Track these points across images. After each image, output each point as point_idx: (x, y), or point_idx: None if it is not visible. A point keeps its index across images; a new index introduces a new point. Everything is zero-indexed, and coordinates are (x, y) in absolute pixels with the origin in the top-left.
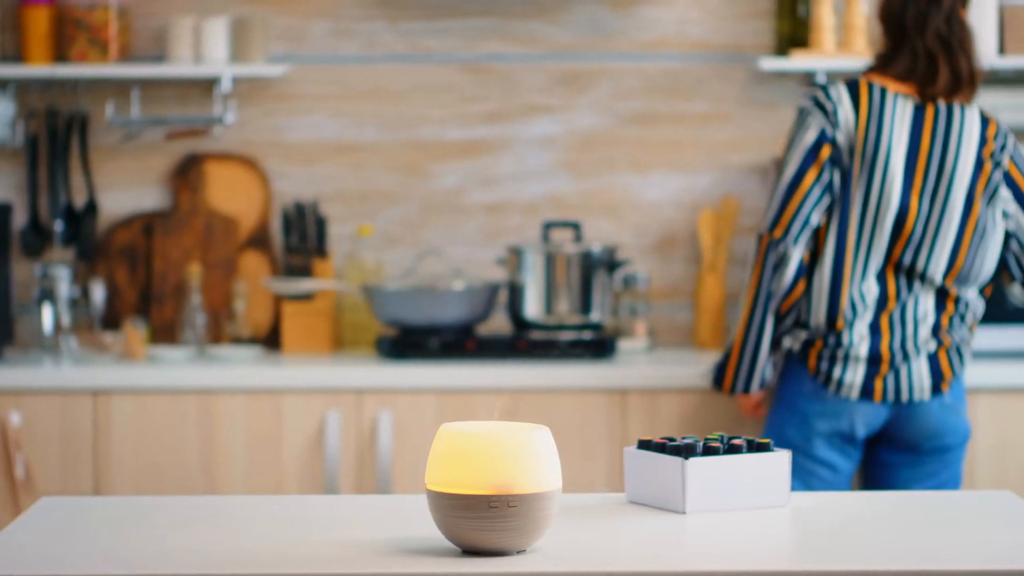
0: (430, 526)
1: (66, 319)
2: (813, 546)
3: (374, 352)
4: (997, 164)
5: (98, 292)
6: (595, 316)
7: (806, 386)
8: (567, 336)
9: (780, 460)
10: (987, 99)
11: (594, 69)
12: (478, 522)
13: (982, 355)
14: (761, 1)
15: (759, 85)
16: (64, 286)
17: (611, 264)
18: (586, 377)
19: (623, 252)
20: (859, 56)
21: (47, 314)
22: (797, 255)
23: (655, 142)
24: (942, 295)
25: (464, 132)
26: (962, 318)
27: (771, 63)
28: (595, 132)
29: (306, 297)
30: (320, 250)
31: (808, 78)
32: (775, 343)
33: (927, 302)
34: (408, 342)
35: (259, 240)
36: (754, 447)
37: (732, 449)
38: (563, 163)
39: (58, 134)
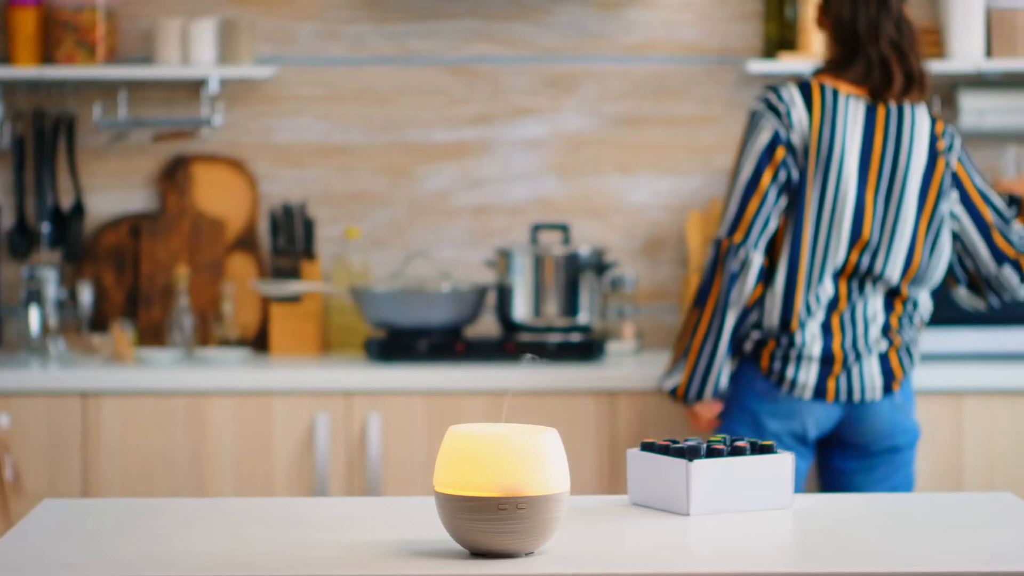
0: (434, 528)
1: (53, 321)
2: (817, 548)
3: (362, 354)
4: (947, 164)
5: (85, 294)
6: (583, 318)
7: (758, 386)
8: (555, 338)
9: (783, 462)
10: (974, 102)
11: (581, 71)
12: (487, 524)
13: (970, 357)
14: (748, 3)
15: (746, 87)
16: (51, 288)
17: (599, 266)
18: (574, 379)
19: (611, 254)
20: None
21: (34, 316)
22: (758, 260)
23: (642, 144)
24: (892, 296)
25: (451, 134)
26: (911, 319)
27: (758, 65)
28: (582, 134)
29: (294, 299)
30: (308, 252)
31: (796, 80)
32: (734, 348)
33: (876, 303)
34: (397, 344)
35: (247, 242)
36: (757, 449)
37: (735, 451)
38: (550, 165)
39: (45, 135)
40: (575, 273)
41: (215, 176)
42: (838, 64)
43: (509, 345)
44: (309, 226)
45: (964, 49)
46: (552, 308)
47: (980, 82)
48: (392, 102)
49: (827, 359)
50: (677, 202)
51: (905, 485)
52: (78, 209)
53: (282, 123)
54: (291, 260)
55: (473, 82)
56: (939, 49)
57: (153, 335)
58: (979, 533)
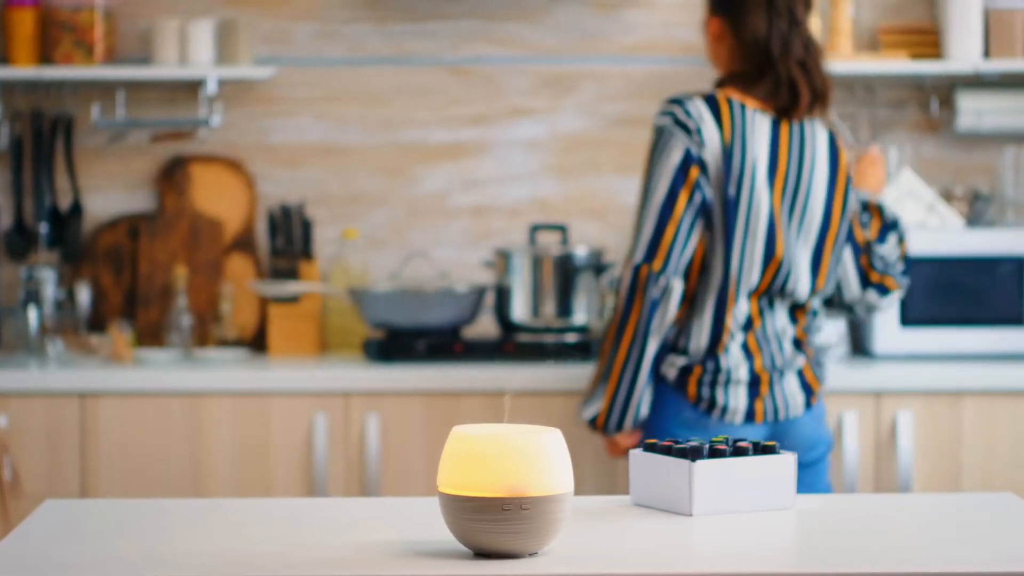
0: (436, 528)
1: (52, 321)
2: (819, 548)
3: (361, 355)
4: (848, 179)
5: (84, 294)
6: (582, 318)
7: (685, 414)
8: (554, 338)
9: (786, 462)
10: (972, 102)
11: (578, 72)
12: (491, 524)
13: (969, 358)
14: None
15: None
16: (49, 288)
17: (597, 267)
18: (574, 379)
19: (609, 255)
20: (845, 59)
21: (33, 316)
22: (679, 286)
23: (640, 145)
24: (795, 308)
25: (449, 135)
26: (814, 328)
27: None
28: (580, 135)
29: (292, 300)
30: (306, 253)
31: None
32: (654, 376)
33: (783, 317)
34: (395, 345)
35: (245, 243)
36: (760, 449)
37: (738, 451)
38: (548, 166)
39: (43, 136)
40: (573, 274)
41: (213, 176)
42: (746, 79)
43: (508, 345)
44: (307, 227)
45: (962, 50)
46: (551, 308)
47: (978, 83)
48: (390, 102)
49: (754, 381)
50: None
51: (826, 493)
52: (76, 209)
53: (280, 123)
54: (289, 261)
55: (471, 82)
56: (937, 50)
57: (151, 335)
58: (982, 534)
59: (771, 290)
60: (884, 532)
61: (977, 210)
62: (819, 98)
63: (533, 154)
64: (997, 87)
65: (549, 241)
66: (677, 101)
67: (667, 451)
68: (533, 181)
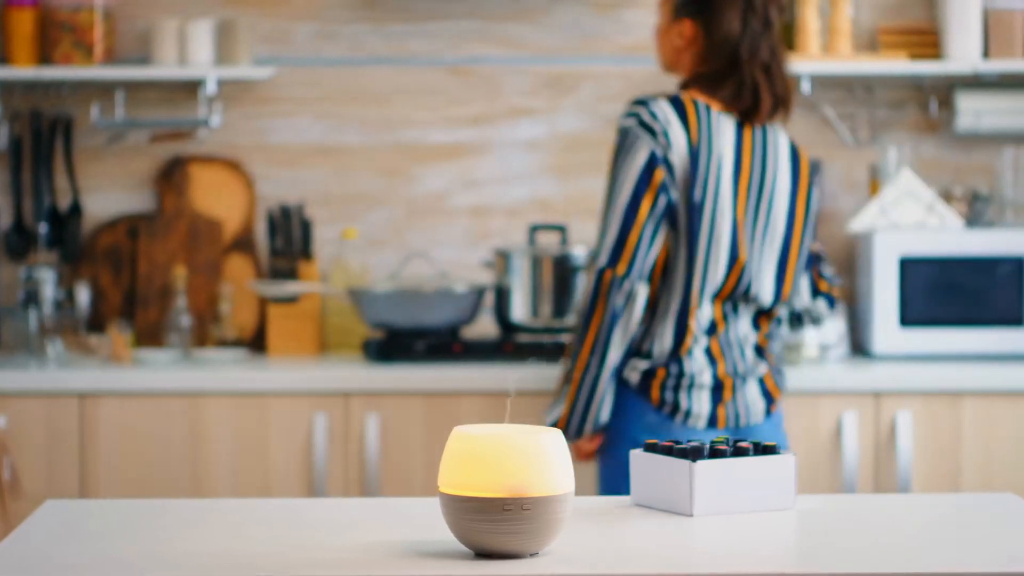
0: (436, 528)
1: (51, 322)
2: (820, 549)
3: (360, 355)
4: (811, 187)
5: (83, 295)
6: None
7: (649, 419)
8: (553, 338)
9: (786, 463)
10: (971, 103)
11: (578, 72)
12: (492, 525)
13: (968, 358)
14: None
15: None
16: (49, 289)
17: None
18: None
19: None
20: (844, 59)
21: (32, 317)
22: (644, 291)
23: None
24: (759, 315)
25: (448, 135)
26: (774, 336)
27: None
28: (579, 135)
29: (291, 300)
30: (305, 253)
31: (793, 81)
32: (617, 381)
33: (746, 323)
34: (394, 345)
35: (244, 243)
36: (760, 450)
37: (739, 452)
38: (547, 166)
39: (42, 136)
40: (573, 274)
41: (212, 177)
42: (712, 80)
43: (507, 346)
44: (307, 227)
45: (961, 50)
46: (550, 308)
47: (977, 83)
48: (390, 103)
49: (717, 386)
50: None
51: None
52: (75, 210)
53: (279, 124)
54: (289, 261)
55: (471, 83)
56: (936, 50)
57: (151, 336)
58: (982, 534)
59: (735, 294)
60: (884, 532)
61: (976, 210)
62: (781, 103)
63: (533, 154)
64: (996, 87)
65: (548, 241)
66: (642, 102)
67: (668, 451)
68: (532, 181)
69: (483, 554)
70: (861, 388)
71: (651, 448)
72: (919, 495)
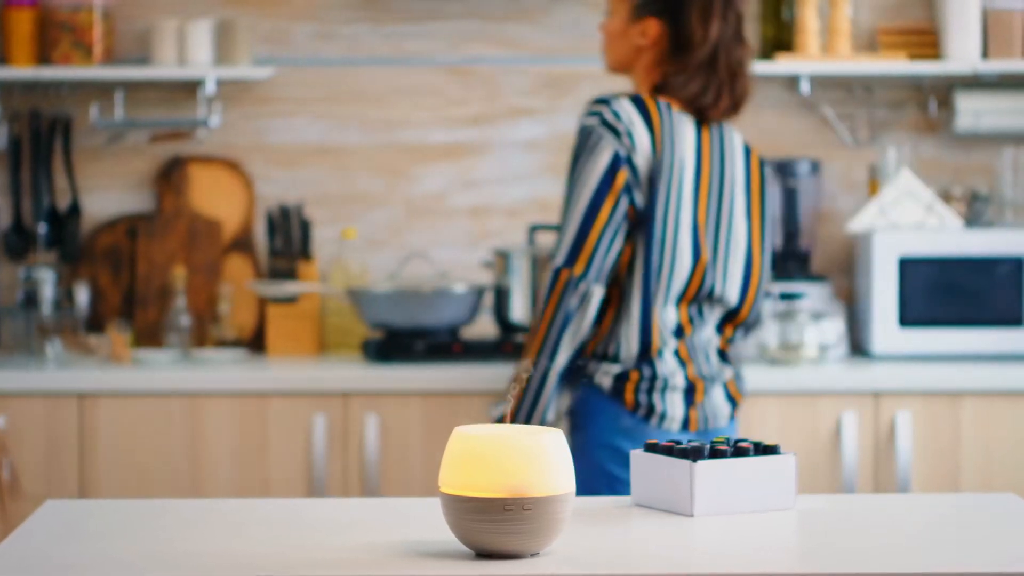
0: (437, 528)
1: (50, 322)
2: (821, 549)
3: (359, 355)
4: (763, 184)
5: (82, 295)
6: None
7: (623, 422)
8: None
9: (787, 463)
10: (970, 103)
11: (577, 72)
12: (492, 525)
13: (967, 358)
14: (745, 4)
15: None
16: (48, 289)
17: None
18: None
19: None
20: (843, 59)
21: (31, 317)
22: (599, 293)
23: None
24: (726, 320)
25: (448, 135)
26: (738, 341)
27: (755, 66)
28: None
29: (291, 300)
30: (304, 253)
31: (793, 82)
32: (568, 383)
33: (710, 327)
34: (394, 345)
35: (243, 243)
36: (761, 450)
37: (739, 452)
38: (547, 166)
39: (41, 136)
40: None
41: (212, 177)
42: (675, 80)
43: (506, 346)
44: (306, 227)
45: (960, 50)
46: None
47: (976, 83)
48: (389, 103)
49: (689, 388)
50: None
51: None
52: (74, 210)
53: (279, 124)
54: (288, 261)
55: (470, 83)
56: (935, 50)
57: (150, 336)
58: (982, 534)
59: (699, 296)
60: (884, 532)
61: (976, 210)
62: (737, 104)
63: (532, 154)
64: (995, 87)
65: (548, 241)
66: (603, 101)
67: (668, 451)
68: (532, 181)
69: (484, 554)
70: (861, 388)
71: (651, 448)
72: (919, 495)
